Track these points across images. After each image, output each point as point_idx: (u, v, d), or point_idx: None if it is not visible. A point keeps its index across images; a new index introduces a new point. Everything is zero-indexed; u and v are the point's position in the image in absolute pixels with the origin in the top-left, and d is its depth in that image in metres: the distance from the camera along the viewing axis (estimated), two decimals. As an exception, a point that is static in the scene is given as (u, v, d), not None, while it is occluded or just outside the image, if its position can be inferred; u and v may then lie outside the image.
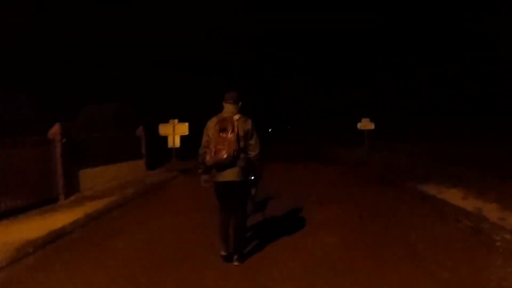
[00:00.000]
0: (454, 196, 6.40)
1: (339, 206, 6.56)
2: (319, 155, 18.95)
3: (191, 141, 14.29)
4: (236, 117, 4.10)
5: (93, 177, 9.01)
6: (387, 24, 22.01)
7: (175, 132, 13.41)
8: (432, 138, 16.52)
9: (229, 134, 3.96)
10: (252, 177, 4.32)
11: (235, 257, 4.21)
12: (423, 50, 20.90)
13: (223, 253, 4.17)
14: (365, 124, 17.71)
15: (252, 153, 4.15)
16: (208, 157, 4.02)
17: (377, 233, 4.91)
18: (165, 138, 13.38)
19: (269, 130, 45.79)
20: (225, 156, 3.92)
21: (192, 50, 23.81)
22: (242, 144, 4.03)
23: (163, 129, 13.41)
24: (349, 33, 24.79)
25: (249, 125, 4.14)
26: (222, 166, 4.01)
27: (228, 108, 4.16)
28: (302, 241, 4.68)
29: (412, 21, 20.53)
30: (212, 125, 4.10)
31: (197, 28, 24.06)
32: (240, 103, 4.26)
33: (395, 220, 5.55)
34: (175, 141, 13.44)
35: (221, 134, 3.95)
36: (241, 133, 4.02)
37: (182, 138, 13.57)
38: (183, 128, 13.46)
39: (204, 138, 4.15)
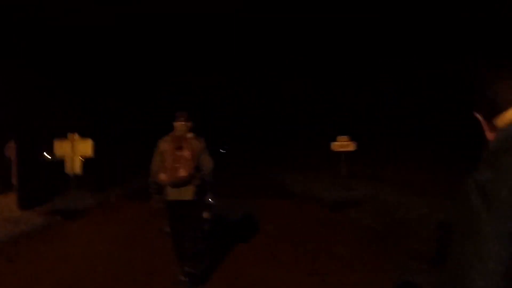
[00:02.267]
0: None
1: None
2: (281, 188, 14.59)
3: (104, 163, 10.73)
4: (189, 135, 4.15)
5: None
6: (387, 24, 21.97)
7: (74, 152, 9.39)
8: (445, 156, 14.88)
9: (185, 152, 3.95)
10: (210, 199, 4.30)
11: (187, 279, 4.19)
12: (423, 50, 20.85)
13: (182, 277, 4.16)
14: (342, 144, 13.77)
15: (206, 172, 4.18)
16: (163, 176, 3.99)
17: None
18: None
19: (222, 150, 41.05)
20: (183, 174, 3.93)
21: (190, 49, 23.78)
22: (196, 162, 4.08)
23: (59, 147, 9.63)
24: (348, 33, 24.74)
25: (202, 143, 4.20)
26: (178, 184, 3.96)
27: (180, 127, 4.17)
28: None
29: (412, 20, 20.49)
30: (165, 144, 4.11)
31: (197, 27, 24.02)
32: (191, 122, 4.32)
33: None
34: (74, 165, 9.50)
35: (177, 152, 3.94)
36: (195, 152, 4.02)
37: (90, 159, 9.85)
38: (85, 147, 9.63)
39: (156, 158, 4.13)
